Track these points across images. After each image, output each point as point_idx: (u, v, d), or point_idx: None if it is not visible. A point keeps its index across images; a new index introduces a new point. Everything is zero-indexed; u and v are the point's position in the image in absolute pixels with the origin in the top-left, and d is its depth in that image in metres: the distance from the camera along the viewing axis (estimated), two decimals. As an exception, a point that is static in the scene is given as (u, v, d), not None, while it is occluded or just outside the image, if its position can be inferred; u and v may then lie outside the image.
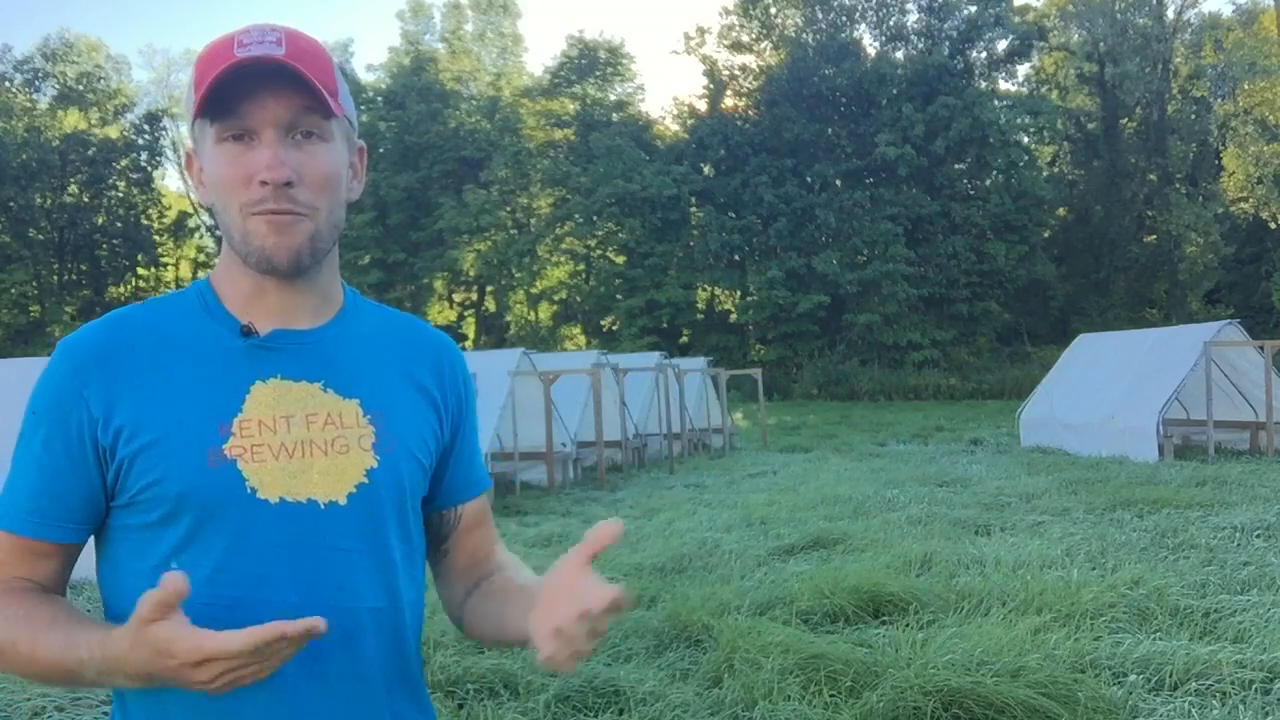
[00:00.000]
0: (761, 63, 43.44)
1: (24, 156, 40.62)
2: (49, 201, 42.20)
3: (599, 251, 42.98)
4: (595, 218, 40.90)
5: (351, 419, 1.14)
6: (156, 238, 45.38)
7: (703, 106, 43.08)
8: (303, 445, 1.11)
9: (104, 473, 1.09)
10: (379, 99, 45.16)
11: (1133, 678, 4.10)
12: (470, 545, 1.32)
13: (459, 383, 1.27)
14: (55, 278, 43.23)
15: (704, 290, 42.41)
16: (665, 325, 40.00)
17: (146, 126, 45.72)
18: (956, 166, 39.84)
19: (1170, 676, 4.08)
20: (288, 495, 1.09)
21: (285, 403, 1.12)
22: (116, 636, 0.98)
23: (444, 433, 1.24)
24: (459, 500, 1.29)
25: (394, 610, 1.16)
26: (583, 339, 42.70)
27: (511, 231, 42.71)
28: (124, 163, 44.04)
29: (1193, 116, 40.57)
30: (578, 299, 43.04)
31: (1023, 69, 43.21)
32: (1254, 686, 3.96)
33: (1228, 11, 51.08)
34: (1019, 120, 40.40)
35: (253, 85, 1.06)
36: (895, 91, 39.68)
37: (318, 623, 0.94)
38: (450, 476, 1.28)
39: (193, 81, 1.09)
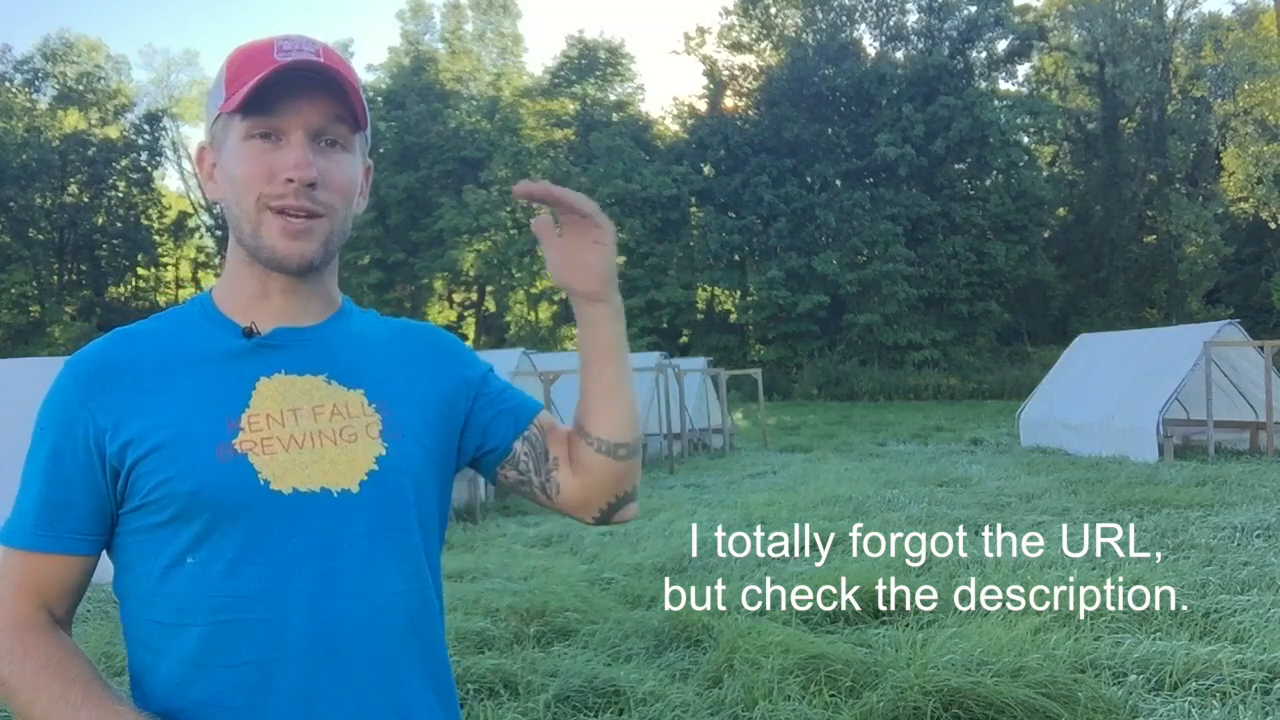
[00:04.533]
0: (761, 63, 43.44)
1: (24, 156, 40.62)
2: (49, 201, 42.20)
3: (599, 251, 42.92)
4: (595, 218, 40.83)
5: (358, 408, 1.16)
6: (156, 238, 45.36)
7: (703, 106, 43.08)
8: (312, 436, 1.12)
9: (111, 483, 1.11)
10: (379, 99, 45.12)
11: (1133, 678, 4.10)
12: (567, 443, 1.30)
13: (459, 360, 1.29)
14: (55, 278, 43.22)
15: (704, 290, 42.39)
16: (665, 325, 39.98)
17: (146, 126, 45.71)
18: (956, 166, 39.81)
19: (1170, 676, 4.08)
20: (300, 485, 1.10)
21: (291, 396, 1.13)
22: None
23: (461, 414, 1.25)
24: (528, 418, 1.29)
25: (413, 594, 1.17)
26: (583, 339, 42.63)
27: (511, 231, 42.68)
28: (124, 163, 44.04)
29: (1193, 116, 40.55)
30: (578, 299, 42.98)
31: (1023, 69, 43.26)
32: (1254, 686, 3.96)
33: (1228, 11, 51.08)
34: (1019, 120, 40.38)
35: (291, 88, 1.09)
36: (895, 91, 39.68)
37: None
38: (506, 407, 1.28)
39: (223, 78, 1.12)
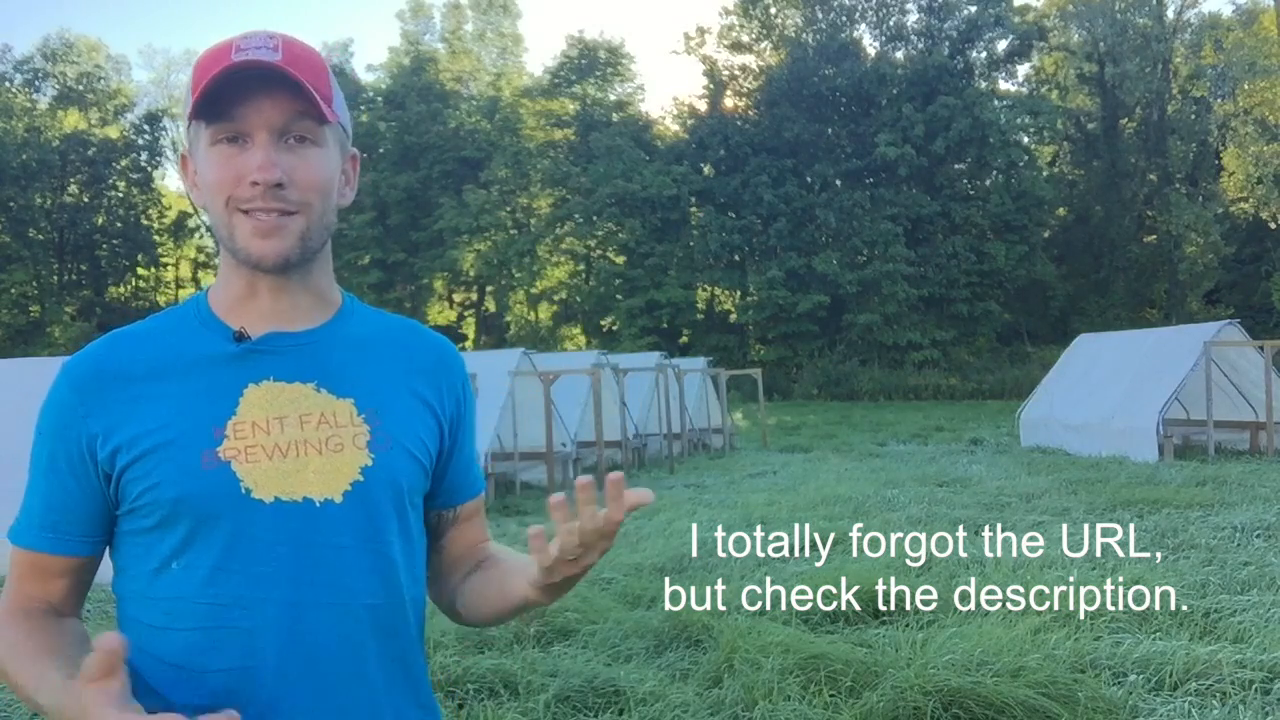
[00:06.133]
0: (761, 63, 43.45)
1: (24, 156, 40.63)
2: (49, 201, 42.21)
3: (599, 251, 42.98)
4: (595, 218, 40.90)
5: (345, 418, 1.15)
6: (156, 238, 45.39)
7: (703, 106, 43.10)
8: (297, 445, 1.12)
9: (105, 486, 1.11)
10: (379, 99, 45.14)
11: (1133, 678, 4.10)
12: (466, 538, 1.33)
13: (457, 387, 1.28)
14: (55, 278, 43.23)
15: (704, 290, 42.41)
16: (665, 325, 39.99)
17: (146, 126, 45.73)
18: (956, 166, 39.84)
19: (1170, 676, 4.07)
20: (283, 494, 1.10)
21: (278, 404, 1.13)
22: (69, 688, 0.97)
23: (443, 436, 1.25)
24: (457, 501, 1.30)
25: (393, 607, 1.16)
26: (583, 339, 42.68)
27: (511, 231, 42.70)
28: (124, 163, 44.06)
29: (1193, 116, 40.55)
30: (578, 299, 43.04)
31: (1023, 69, 43.29)
32: (1254, 686, 3.96)
33: (1228, 11, 51.11)
34: (1019, 120, 40.41)
35: (247, 89, 1.07)
36: (895, 91, 39.69)
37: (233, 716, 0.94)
38: (450, 478, 1.28)
39: (190, 84, 1.11)
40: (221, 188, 1.09)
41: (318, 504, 1.11)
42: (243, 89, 1.07)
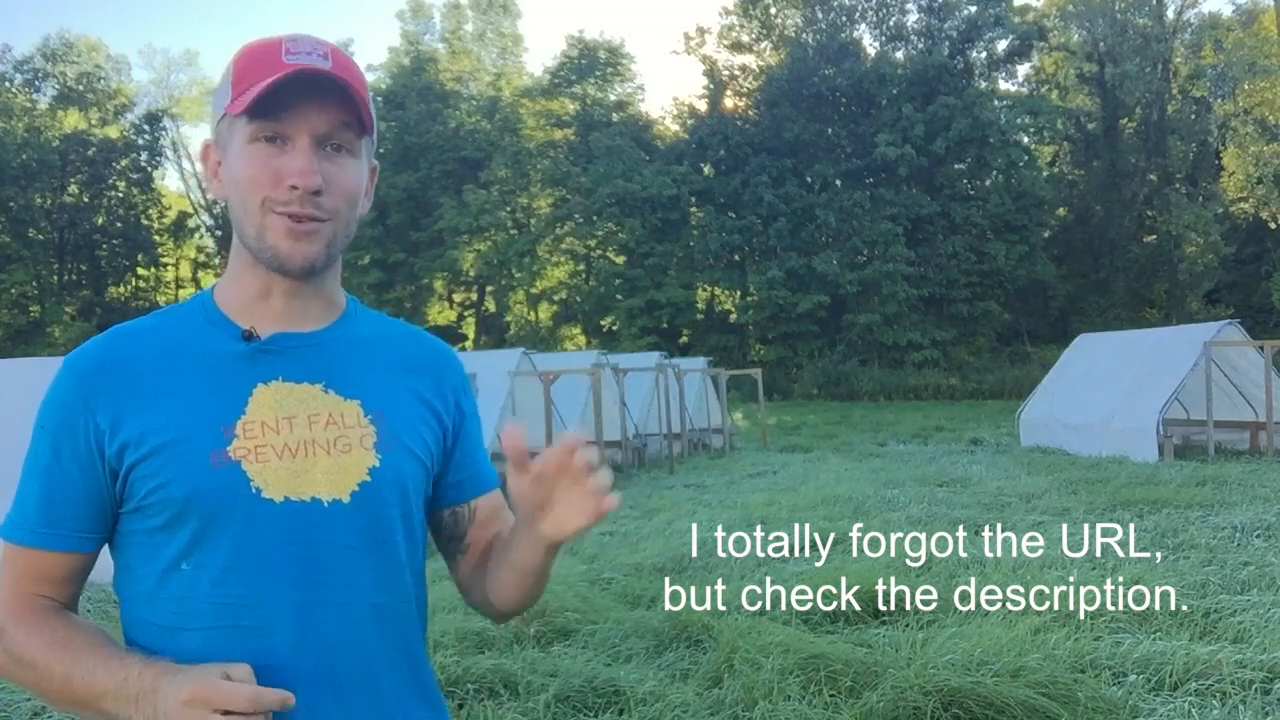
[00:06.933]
0: (761, 63, 43.46)
1: (24, 156, 40.62)
2: (49, 201, 42.20)
3: (599, 251, 42.98)
4: (595, 218, 40.89)
5: (353, 419, 1.16)
6: (156, 238, 45.39)
7: (703, 107, 43.10)
8: (305, 445, 1.12)
9: (111, 483, 1.11)
10: (379, 99, 45.09)
11: (1133, 678, 4.10)
12: (489, 535, 1.32)
13: (457, 389, 1.29)
14: (55, 278, 43.22)
15: (704, 290, 42.41)
16: (665, 325, 39.99)
17: (146, 126, 45.73)
18: (956, 166, 39.83)
19: (1170, 676, 4.07)
20: (292, 494, 1.10)
21: (287, 404, 1.13)
22: (162, 670, 1.03)
23: (444, 436, 1.25)
24: (471, 495, 1.30)
25: (399, 606, 1.17)
26: (583, 339, 42.67)
27: (511, 231, 42.69)
28: (124, 163, 44.05)
29: (1193, 116, 40.56)
30: (578, 299, 43.03)
31: (1023, 69, 43.31)
32: (1254, 686, 3.96)
33: (1228, 11, 51.11)
34: (1019, 120, 40.42)
35: (298, 93, 1.09)
36: (895, 91, 39.69)
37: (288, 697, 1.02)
38: (458, 476, 1.29)
39: (230, 76, 1.11)
40: (257, 186, 1.10)
41: (325, 504, 1.12)
42: (293, 93, 1.08)
